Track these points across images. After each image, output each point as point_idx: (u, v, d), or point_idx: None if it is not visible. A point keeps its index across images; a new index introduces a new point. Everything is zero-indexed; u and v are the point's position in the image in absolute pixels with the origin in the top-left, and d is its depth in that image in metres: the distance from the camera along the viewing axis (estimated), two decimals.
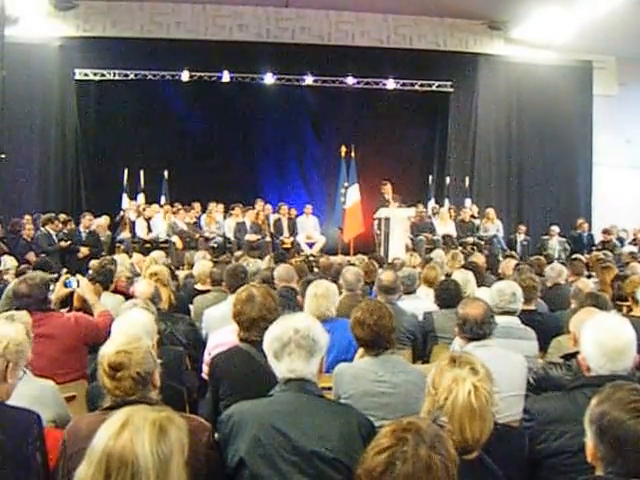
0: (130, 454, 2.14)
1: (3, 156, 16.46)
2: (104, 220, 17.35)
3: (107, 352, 3.31)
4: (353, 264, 9.79)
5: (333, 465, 3.21)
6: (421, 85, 21.65)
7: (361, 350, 4.64)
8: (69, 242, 15.23)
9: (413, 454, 2.33)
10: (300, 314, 3.93)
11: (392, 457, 2.33)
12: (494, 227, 18.74)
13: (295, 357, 3.50)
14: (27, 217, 16.68)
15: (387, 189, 17.06)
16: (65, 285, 6.56)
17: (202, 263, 9.44)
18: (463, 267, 9.27)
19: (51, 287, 6.08)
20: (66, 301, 6.58)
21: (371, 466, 2.36)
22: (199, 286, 9.00)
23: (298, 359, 3.50)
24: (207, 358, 5.47)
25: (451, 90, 21.86)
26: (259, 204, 18.76)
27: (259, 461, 3.26)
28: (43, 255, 14.14)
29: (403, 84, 21.46)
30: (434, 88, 21.82)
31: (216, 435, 3.50)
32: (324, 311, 5.64)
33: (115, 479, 2.12)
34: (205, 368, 5.43)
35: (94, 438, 2.24)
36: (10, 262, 10.97)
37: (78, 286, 6.53)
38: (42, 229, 15.67)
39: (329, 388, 4.30)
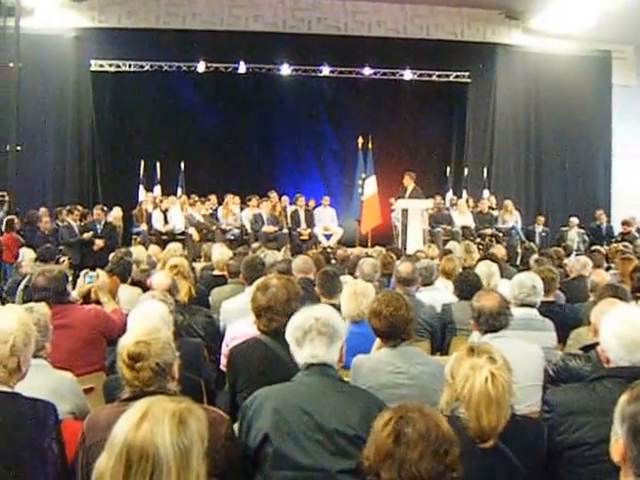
0: (151, 446, 2.14)
1: (19, 148, 16.52)
2: (119, 212, 17.34)
3: (126, 343, 3.31)
4: (370, 256, 9.78)
5: (355, 442, 3.25)
6: (438, 76, 21.57)
7: (378, 342, 4.64)
8: (91, 233, 15.23)
9: (418, 416, 2.44)
10: (320, 305, 3.95)
11: (399, 424, 2.42)
12: (512, 219, 18.66)
13: (316, 343, 3.61)
14: (43, 209, 16.71)
15: (407, 180, 17.01)
16: (85, 280, 6.59)
17: (220, 251, 9.44)
18: (482, 259, 9.23)
19: (69, 279, 6.09)
20: (88, 296, 6.60)
21: (381, 441, 2.42)
22: (217, 272, 9.04)
23: (319, 345, 3.61)
24: (225, 350, 5.48)
25: (469, 81, 21.75)
26: (272, 196, 18.72)
27: (284, 437, 3.33)
28: (62, 247, 14.24)
29: (420, 75, 21.38)
30: (451, 79, 21.74)
31: (235, 426, 3.52)
32: (364, 309, 5.37)
33: (136, 471, 2.13)
34: (223, 360, 5.44)
35: (113, 429, 2.24)
36: (27, 254, 10.98)
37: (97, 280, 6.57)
38: (59, 221, 15.71)
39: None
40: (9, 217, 15.00)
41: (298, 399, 3.45)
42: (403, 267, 7.17)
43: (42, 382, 3.90)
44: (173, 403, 2.31)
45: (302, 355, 3.64)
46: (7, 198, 16.37)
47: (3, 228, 14.89)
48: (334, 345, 3.65)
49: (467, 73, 21.62)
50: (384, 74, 21.28)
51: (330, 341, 3.63)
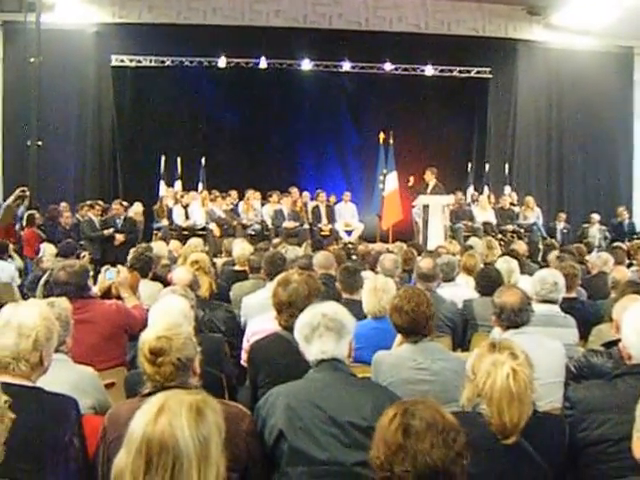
0: (170, 438, 2.15)
1: (40, 143, 16.57)
2: (140, 207, 17.38)
3: (148, 338, 3.32)
4: (391, 251, 9.76)
5: (369, 434, 3.20)
6: (460, 71, 21.51)
7: (399, 337, 4.63)
8: (112, 229, 15.28)
9: (422, 407, 2.48)
10: (327, 302, 3.98)
11: (405, 418, 2.45)
12: (534, 215, 18.59)
13: (325, 339, 3.66)
14: (64, 204, 16.76)
15: (429, 176, 16.96)
16: (106, 276, 6.62)
17: (242, 247, 9.44)
18: (504, 255, 9.20)
19: (90, 274, 6.12)
20: (109, 292, 6.62)
21: (390, 436, 2.45)
22: (238, 267, 9.05)
23: (328, 341, 3.65)
24: (246, 345, 5.48)
25: (490, 76, 21.67)
26: (293, 192, 18.73)
27: (298, 433, 3.36)
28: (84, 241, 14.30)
29: (441, 70, 21.33)
30: (473, 74, 21.67)
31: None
32: (385, 305, 5.34)
33: (157, 464, 2.13)
34: (244, 355, 5.44)
35: (130, 425, 2.25)
36: (48, 249, 11.03)
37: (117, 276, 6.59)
38: (79, 216, 15.77)
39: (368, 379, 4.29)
40: (30, 212, 15.06)
41: (310, 394, 3.48)
42: (424, 263, 7.16)
43: (64, 377, 3.92)
44: (189, 395, 2.32)
45: (312, 352, 3.68)
46: (28, 193, 16.42)
47: (24, 223, 14.97)
48: (343, 340, 3.69)
49: (488, 69, 21.54)
50: (405, 70, 21.24)
51: (339, 336, 3.67)
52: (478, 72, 21.59)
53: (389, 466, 2.40)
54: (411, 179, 17.82)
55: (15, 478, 2.39)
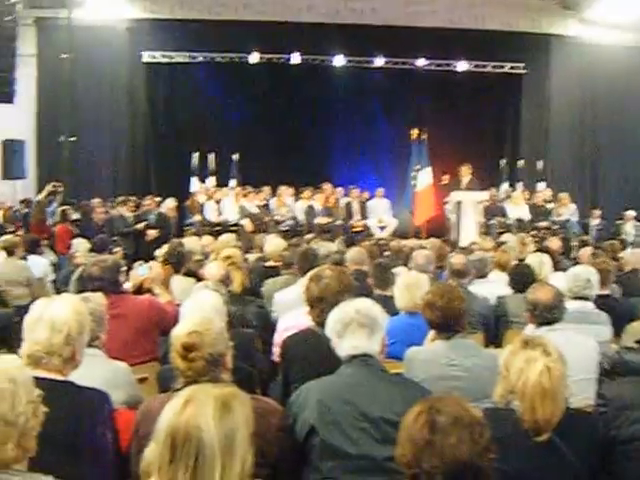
0: (194, 429, 2.17)
1: (73, 139, 16.69)
2: (173, 203, 17.41)
3: (180, 333, 3.33)
4: (424, 247, 9.74)
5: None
6: (493, 67, 21.40)
7: (432, 333, 4.62)
8: (144, 223, 15.36)
9: (447, 403, 2.49)
10: (360, 298, 3.96)
11: (430, 414, 2.46)
12: (568, 211, 18.42)
13: (357, 334, 3.65)
14: (97, 200, 16.85)
15: (465, 171, 16.90)
16: (139, 272, 6.65)
17: (274, 242, 9.44)
18: (537, 251, 9.15)
19: (123, 269, 6.15)
20: (141, 288, 6.65)
21: (416, 433, 2.46)
22: (270, 263, 9.05)
23: (360, 336, 3.65)
24: (277, 341, 5.49)
25: (524, 72, 21.54)
26: (326, 188, 18.70)
27: (329, 427, 3.37)
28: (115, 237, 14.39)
29: (475, 66, 21.25)
30: (506, 70, 21.54)
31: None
32: (417, 300, 5.27)
33: (181, 454, 2.15)
34: (276, 351, 5.45)
35: (160, 418, 2.27)
36: (81, 245, 11.08)
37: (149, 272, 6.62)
38: (114, 211, 15.86)
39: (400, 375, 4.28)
40: (63, 208, 15.17)
41: (341, 390, 3.49)
42: (456, 259, 7.15)
43: (97, 372, 3.94)
44: (217, 389, 2.34)
45: (343, 347, 3.68)
46: (60, 189, 16.56)
47: (57, 219, 15.07)
48: (375, 336, 3.67)
49: (522, 64, 21.40)
50: (438, 65, 21.18)
51: (371, 332, 3.66)
52: (512, 67, 21.45)
53: (417, 463, 2.41)
54: (445, 177, 17.81)
55: (48, 472, 2.40)
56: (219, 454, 2.16)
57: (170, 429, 2.19)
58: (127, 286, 6.55)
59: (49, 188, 15.52)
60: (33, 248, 11.02)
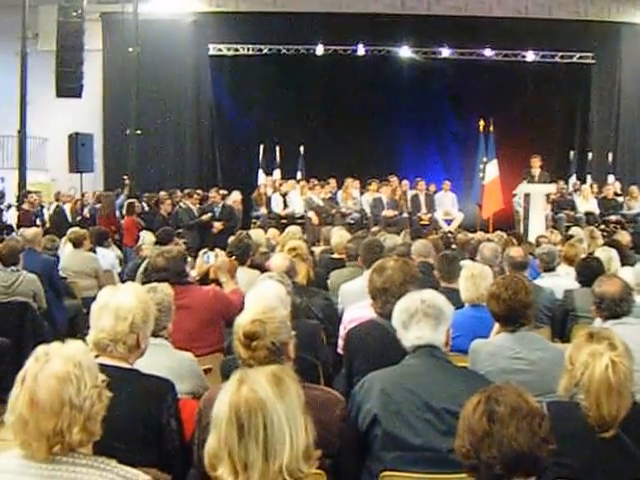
0: (256, 402, 2.20)
1: (139, 132, 16.88)
2: (238, 195, 17.54)
3: (242, 321, 3.34)
4: (491, 240, 9.67)
5: None
6: (561, 57, 21.13)
7: (497, 326, 4.57)
8: (209, 215, 15.46)
9: (505, 393, 2.46)
10: (425, 289, 3.93)
11: (489, 405, 2.43)
12: (638, 205, 18.14)
13: (422, 325, 3.63)
14: (163, 193, 17.05)
15: (535, 163, 16.73)
16: (204, 260, 6.69)
17: (340, 234, 9.44)
18: (606, 245, 9.02)
19: (187, 260, 6.19)
20: (207, 276, 6.69)
21: (475, 423, 2.43)
22: (336, 255, 9.04)
23: (425, 327, 3.63)
24: (342, 333, 5.48)
25: (593, 62, 21.25)
26: (393, 180, 18.60)
27: (392, 417, 3.36)
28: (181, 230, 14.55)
29: (543, 56, 21.01)
30: (575, 60, 21.25)
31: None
32: (483, 292, 5.23)
33: (248, 428, 2.18)
34: (341, 343, 5.45)
35: (214, 407, 2.32)
36: (148, 237, 11.20)
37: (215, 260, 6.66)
38: (182, 203, 16.00)
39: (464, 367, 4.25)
40: (130, 200, 15.35)
41: (405, 380, 3.47)
42: (514, 251, 7.08)
43: (163, 361, 3.98)
44: (266, 368, 2.39)
45: (408, 338, 3.66)
46: (128, 182, 16.76)
47: (124, 212, 15.26)
48: (440, 327, 3.65)
49: (591, 54, 21.13)
50: (505, 55, 21.05)
51: (437, 323, 3.64)
52: (580, 57, 21.20)
53: (475, 454, 2.39)
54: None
55: (112, 456, 2.44)
56: (285, 422, 2.19)
57: (232, 408, 2.21)
58: (193, 274, 6.59)
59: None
60: (101, 241, 11.16)
